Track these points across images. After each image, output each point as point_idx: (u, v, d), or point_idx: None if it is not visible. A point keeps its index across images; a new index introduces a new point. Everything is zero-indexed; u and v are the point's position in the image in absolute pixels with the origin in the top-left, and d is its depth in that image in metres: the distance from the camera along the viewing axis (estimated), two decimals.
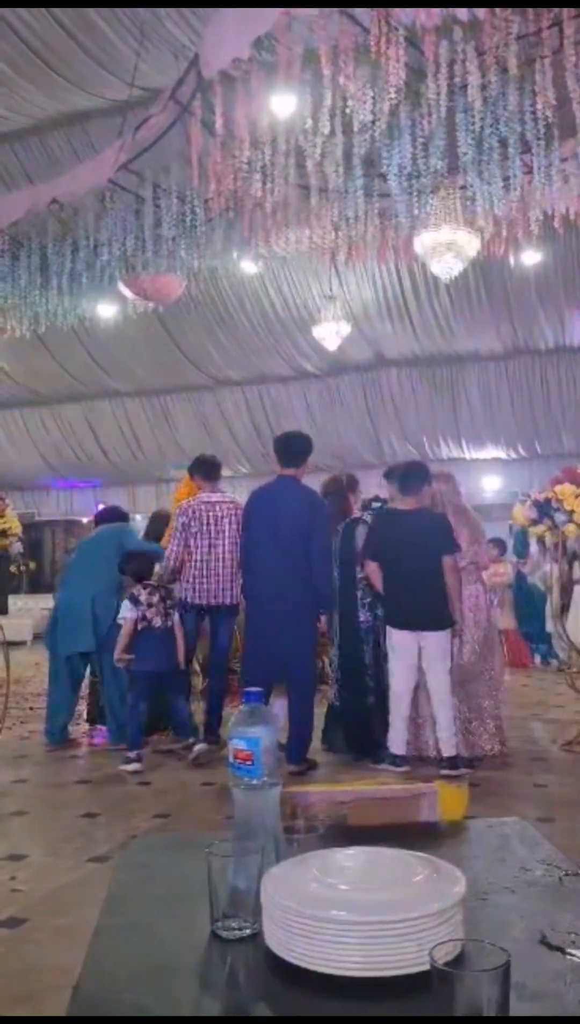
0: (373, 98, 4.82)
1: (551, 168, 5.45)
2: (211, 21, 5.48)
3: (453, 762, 4.85)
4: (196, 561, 5.51)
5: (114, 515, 6.48)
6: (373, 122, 4.96)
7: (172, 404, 15.29)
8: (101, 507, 7.44)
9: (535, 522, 5.75)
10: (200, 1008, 0.99)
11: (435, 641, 4.94)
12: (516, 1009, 0.85)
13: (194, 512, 5.53)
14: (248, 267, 9.98)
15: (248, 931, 1.10)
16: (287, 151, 5.52)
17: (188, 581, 5.54)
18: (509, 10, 4.73)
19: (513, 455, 14.11)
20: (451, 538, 5.05)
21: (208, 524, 5.51)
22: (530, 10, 4.74)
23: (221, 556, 5.49)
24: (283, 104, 5.31)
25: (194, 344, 13.82)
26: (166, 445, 15.50)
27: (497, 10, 4.70)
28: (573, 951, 1.01)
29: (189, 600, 5.52)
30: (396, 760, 4.95)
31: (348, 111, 4.97)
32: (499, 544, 9.30)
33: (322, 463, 14.03)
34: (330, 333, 11.06)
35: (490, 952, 0.82)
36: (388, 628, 5.11)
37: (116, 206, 6.85)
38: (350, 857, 1.17)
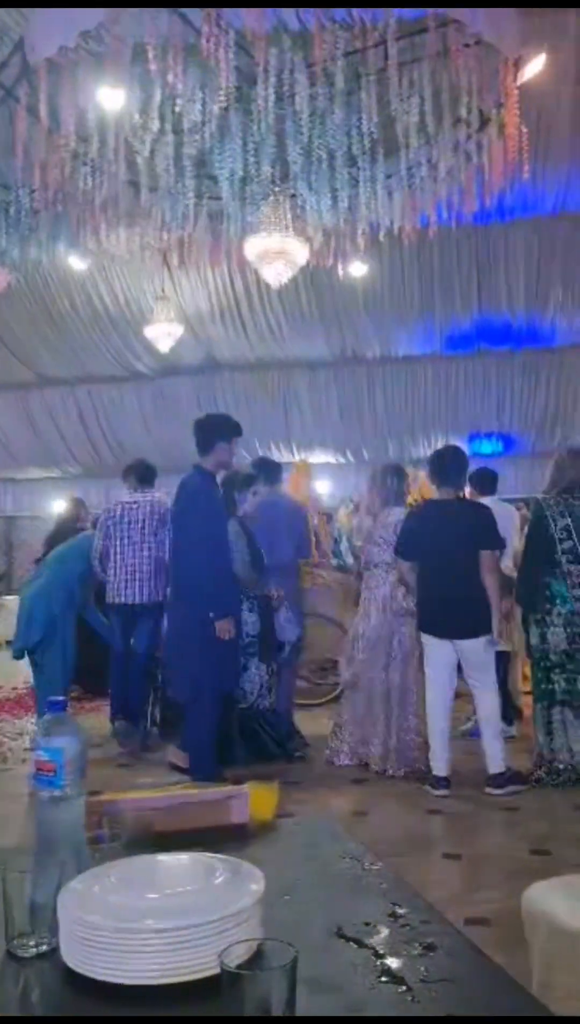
0: (203, 99, 4.82)
1: (376, 183, 5.64)
2: (38, 10, 5.31)
3: (498, 780, 4.38)
4: (117, 561, 5.56)
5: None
6: (203, 124, 4.96)
7: None
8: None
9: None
10: None
11: (472, 650, 4.47)
12: (310, 1002, 0.86)
13: (112, 513, 5.70)
14: (76, 263, 9.71)
15: (45, 947, 1.05)
16: (116, 146, 5.41)
17: (110, 581, 5.57)
18: (337, 25, 4.86)
19: (342, 460, 14.47)
20: (494, 532, 4.54)
21: (128, 524, 5.62)
22: (357, 28, 4.89)
23: (140, 555, 5.55)
24: (112, 97, 5.20)
25: (20, 338, 13.31)
26: None
27: (326, 24, 4.81)
28: (366, 940, 1.04)
29: (109, 600, 5.55)
30: (438, 782, 4.43)
31: (177, 110, 4.94)
32: None
33: (158, 465, 13.83)
34: (162, 334, 10.94)
35: (281, 950, 0.82)
36: (422, 635, 4.65)
37: None
38: (148, 864, 1.15)
